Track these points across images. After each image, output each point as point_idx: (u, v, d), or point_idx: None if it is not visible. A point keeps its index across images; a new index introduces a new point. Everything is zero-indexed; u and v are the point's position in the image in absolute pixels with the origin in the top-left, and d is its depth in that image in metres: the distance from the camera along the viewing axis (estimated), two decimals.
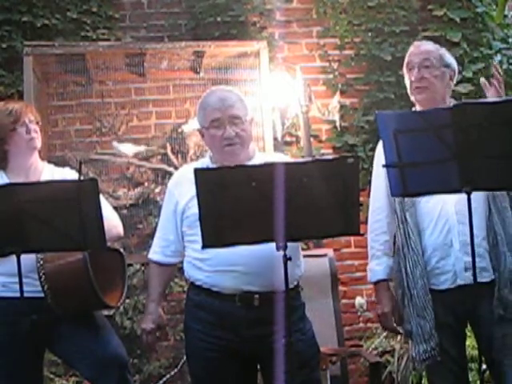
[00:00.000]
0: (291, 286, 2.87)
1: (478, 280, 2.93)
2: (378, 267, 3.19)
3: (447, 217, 3.03)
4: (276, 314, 2.85)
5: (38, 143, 3.31)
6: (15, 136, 3.26)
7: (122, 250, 3.41)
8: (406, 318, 3.12)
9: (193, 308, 3.05)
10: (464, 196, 2.85)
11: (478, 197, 2.99)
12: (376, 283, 3.20)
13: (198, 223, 2.72)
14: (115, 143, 4.96)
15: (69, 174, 3.38)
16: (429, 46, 3.26)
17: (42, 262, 3.07)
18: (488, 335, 3.03)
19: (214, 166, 3.02)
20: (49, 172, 3.35)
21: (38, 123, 3.33)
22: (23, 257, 2.83)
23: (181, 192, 3.05)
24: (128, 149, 4.97)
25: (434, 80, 3.15)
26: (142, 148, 5.01)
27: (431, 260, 3.06)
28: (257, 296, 2.91)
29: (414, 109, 3.25)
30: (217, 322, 2.95)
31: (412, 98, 3.22)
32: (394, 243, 3.20)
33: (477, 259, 2.97)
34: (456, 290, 3.02)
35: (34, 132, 3.29)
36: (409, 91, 3.23)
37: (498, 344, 2.99)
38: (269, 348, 2.88)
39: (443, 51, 3.24)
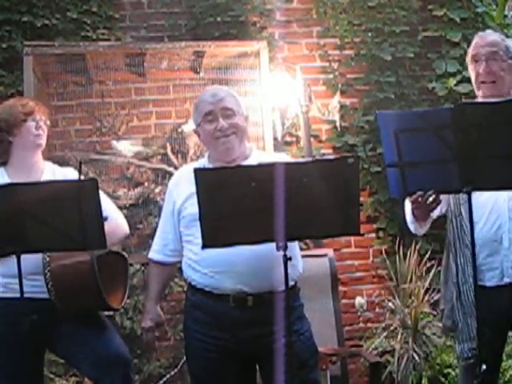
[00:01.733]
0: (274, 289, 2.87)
1: None
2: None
3: (499, 212, 2.98)
4: (273, 315, 2.85)
5: (43, 142, 3.33)
6: (24, 128, 3.27)
7: (125, 254, 3.42)
8: (447, 313, 3.10)
9: (190, 308, 3.06)
10: None
11: None
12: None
13: (193, 223, 2.72)
14: (114, 142, 4.96)
15: (70, 173, 3.39)
16: (494, 36, 3.17)
17: (48, 260, 3.07)
18: None
19: (212, 165, 3.03)
20: (50, 171, 3.36)
21: (46, 124, 3.35)
22: (27, 257, 2.84)
23: (178, 192, 3.06)
24: (125, 147, 4.97)
25: (502, 73, 3.07)
26: (139, 148, 5.00)
27: (479, 255, 2.97)
28: (250, 297, 2.91)
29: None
30: (213, 322, 2.96)
31: (477, 93, 3.12)
32: None
33: None
34: (502, 288, 2.97)
35: (41, 130, 3.31)
36: (474, 85, 3.13)
37: None
38: (267, 348, 2.88)
39: (509, 42, 3.15)
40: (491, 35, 3.18)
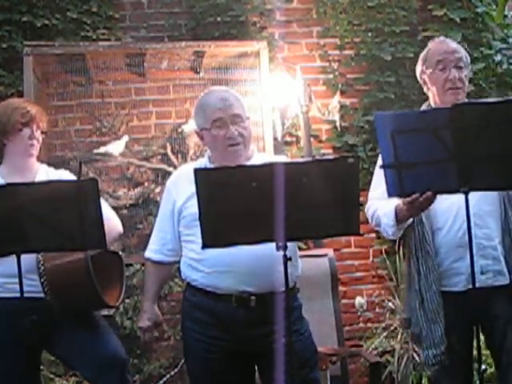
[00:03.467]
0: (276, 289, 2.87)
1: (493, 283, 2.97)
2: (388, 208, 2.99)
3: (464, 218, 2.91)
4: (274, 315, 2.85)
5: (35, 152, 3.33)
6: (18, 136, 3.28)
7: (120, 253, 3.42)
8: (414, 321, 3.09)
9: (189, 308, 3.05)
10: (482, 198, 2.86)
11: (493, 199, 2.98)
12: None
13: (195, 223, 2.71)
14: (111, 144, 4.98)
15: (65, 175, 3.39)
16: (454, 44, 3.17)
17: (42, 261, 3.08)
18: (501, 336, 3.02)
19: (213, 166, 3.02)
20: (44, 172, 3.36)
21: (43, 133, 3.35)
22: (23, 256, 2.83)
23: (178, 191, 3.05)
24: (116, 147, 4.97)
25: (465, 80, 3.10)
26: (123, 144, 5.00)
27: (445, 261, 3.02)
28: (253, 297, 2.91)
29: (423, 107, 3.19)
30: (213, 323, 2.95)
31: (438, 99, 3.11)
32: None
33: (492, 262, 2.99)
34: (470, 292, 2.95)
35: (35, 140, 3.30)
36: (434, 91, 3.12)
37: (511, 345, 2.98)
38: (267, 348, 2.88)
39: (463, 49, 3.18)
40: (452, 42, 3.18)
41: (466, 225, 2.91)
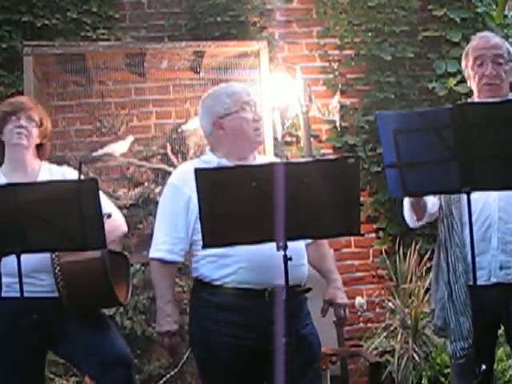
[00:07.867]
0: (303, 282, 2.98)
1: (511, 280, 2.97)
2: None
3: (489, 212, 2.99)
4: (297, 309, 2.93)
5: (25, 142, 3.27)
6: (6, 128, 3.28)
7: (127, 254, 3.41)
8: (438, 313, 3.11)
9: (211, 310, 2.92)
10: (508, 192, 2.85)
11: None
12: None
13: None
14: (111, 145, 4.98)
15: (68, 172, 3.38)
16: (497, 38, 3.19)
17: (57, 256, 3.07)
18: None
19: (224, 160, 2.99)
20: (46, 171, 3.35)
21: (40, 125, 3.32)
22: (31, 256, 2.84)
23: (193, 187, 2.81)
24: (115, 149, 4.97)
25: (504, 77, 3.10)
26: (127, 143, 5.00)
27: (467, 255, 2.99)
28: (284, 290, 2.76)
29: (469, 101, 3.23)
30: (239, 321, 2.87)
31: (476, 94, 3.15)
32: None
33: None
34: (490, 288, 2.99)
35: (23, 129, 3.26)
36: (474, 86, 3.15)
37: None
38: (283, 343, 2.75)
39: (507, 44, 3.19)
40: (494, 37, 3.20)
41: (490, 219, 2.98)
